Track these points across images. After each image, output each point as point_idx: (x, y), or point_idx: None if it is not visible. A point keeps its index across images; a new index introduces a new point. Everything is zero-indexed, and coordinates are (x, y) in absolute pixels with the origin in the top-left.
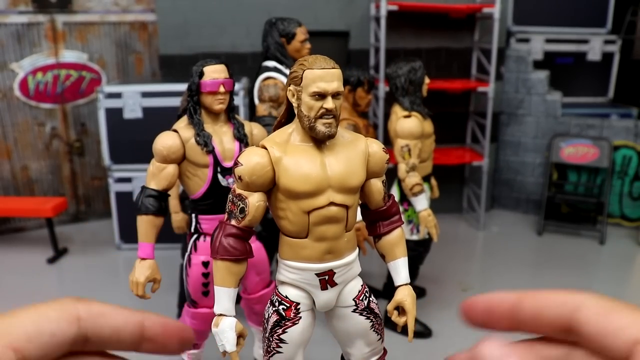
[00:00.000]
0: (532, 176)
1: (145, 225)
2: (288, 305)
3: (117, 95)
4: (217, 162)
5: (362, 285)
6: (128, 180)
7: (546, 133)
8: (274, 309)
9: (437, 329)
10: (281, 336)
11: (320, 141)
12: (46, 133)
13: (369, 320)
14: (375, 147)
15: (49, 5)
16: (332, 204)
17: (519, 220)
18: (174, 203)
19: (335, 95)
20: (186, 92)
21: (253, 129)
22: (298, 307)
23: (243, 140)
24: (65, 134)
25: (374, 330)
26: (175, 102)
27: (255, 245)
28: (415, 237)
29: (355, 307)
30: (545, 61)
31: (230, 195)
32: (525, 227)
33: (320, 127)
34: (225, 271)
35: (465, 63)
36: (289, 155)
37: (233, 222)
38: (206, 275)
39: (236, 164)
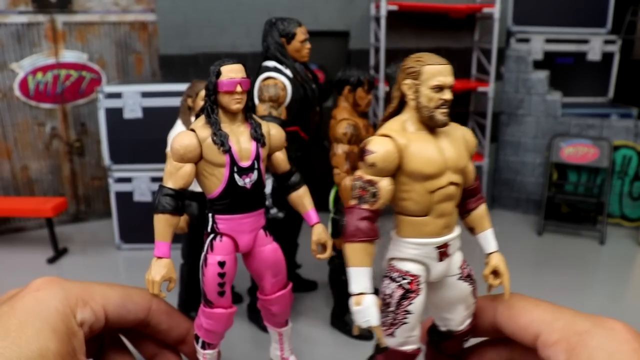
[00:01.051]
0: (532, 176)
1: (162, 224)
2: (411, 278)
3: (117, 95)
4: (233, 162)
5: (462, 255)
6: (128, 180)
7: (546, 133)
8: (396, 284)
9: None
10: (407, 307)
11: (432, 129)
12: (46, 133)
13: (471, 286)
14: (468, 133)
15: (49, 5)
16: (451, 183)
17: (519, 220)
18: None
19: (450, 88)
20: (204, 91)
21: (270, 129)
22: (418, 279)
23: (260, 140)
24: (65, 134)
25: (472, 294)
26: (175, 102)
27: (272, 246)
28: None
29: (460, 275)
30: (545, 61)
31: (358, 182)
32: (525, 227)
33: (439, 116)
34: (363, 252)
35: (465, 63)
36: (412, 142)
37: (365, 206)
38: (222, 275)
39: (367, 151)
